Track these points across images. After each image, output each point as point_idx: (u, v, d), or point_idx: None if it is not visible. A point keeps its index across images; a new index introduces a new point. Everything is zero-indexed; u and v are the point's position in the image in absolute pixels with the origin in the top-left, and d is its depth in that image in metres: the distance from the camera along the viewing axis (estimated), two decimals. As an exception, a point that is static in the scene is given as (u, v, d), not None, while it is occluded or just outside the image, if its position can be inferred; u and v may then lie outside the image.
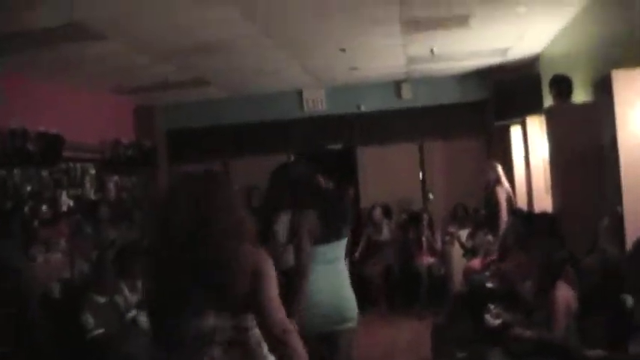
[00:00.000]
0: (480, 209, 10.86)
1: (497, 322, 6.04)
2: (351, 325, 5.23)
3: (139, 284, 7.75)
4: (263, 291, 3.17)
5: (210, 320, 3.11)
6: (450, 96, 12.87)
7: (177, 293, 3.12)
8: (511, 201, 9.53)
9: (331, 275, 5.18)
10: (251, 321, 3.23)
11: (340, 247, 5.35)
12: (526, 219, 7.93)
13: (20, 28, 7.39)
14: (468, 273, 9.21)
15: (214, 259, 3.11)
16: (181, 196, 3.23)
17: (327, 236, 5.13)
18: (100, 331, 6.90)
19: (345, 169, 12.91)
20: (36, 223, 9.55)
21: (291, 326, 3.24)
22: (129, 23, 7.69)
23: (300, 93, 13.47)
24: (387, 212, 12.36)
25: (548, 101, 9.15)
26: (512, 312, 6.17)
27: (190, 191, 3.24)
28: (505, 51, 10.75)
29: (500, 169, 9.71)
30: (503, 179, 9.62)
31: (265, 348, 3.27)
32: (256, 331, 3.25)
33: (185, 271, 3.11)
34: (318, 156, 12.64)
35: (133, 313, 7.34)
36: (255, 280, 3.16)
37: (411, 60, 11.14)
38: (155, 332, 3.27)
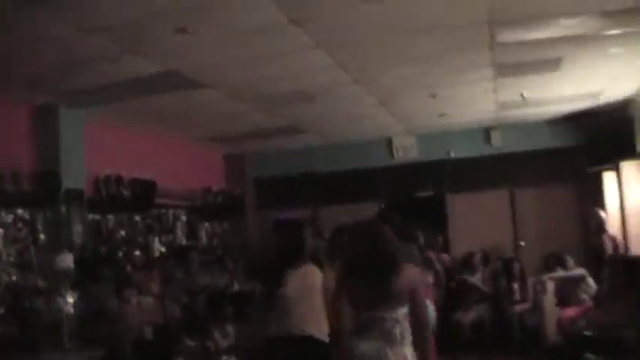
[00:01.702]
0: (565, 257, 10.65)
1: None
2: None
3: (230, 329, 7.77)
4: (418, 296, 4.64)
5: (386, 313, 4.55)
6: (541, 142, 12.65)
7: (371, 299, 4.59)
8: (617, 248, 9.26)
9: None
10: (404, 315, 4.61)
11: None
12: (622, 265, 7.71)
13: (117, 78, 7.61)
14: (562, 322, 8.97)
15: (392, 275, 4.58)
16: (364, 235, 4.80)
17: None
18: (192, 374, 6.92)
19: (436, 216, 12.80)
20: (129, 267, 9.72)
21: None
22: (225, 72, 7.85)
23: (389, 140, 13.45)
24: (485, 259, 12.17)
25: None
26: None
27: (369, 232, 4.82)
28: (597, 94, 10.54)
29: (603, 215, 9.49)
30: (608, 226, 9.40)
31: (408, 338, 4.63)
32: (406, 324, 4.61)
33: (375, 285, 4.58)
34: (408, 203, 12.58)
35: (223, 358, 7.36)
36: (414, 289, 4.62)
37: (502, 106, 11.03)
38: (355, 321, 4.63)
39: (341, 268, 4.84)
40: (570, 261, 10.32)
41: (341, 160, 13.60)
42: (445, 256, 12.12)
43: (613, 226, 9.60)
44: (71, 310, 7.58)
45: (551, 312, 9.95)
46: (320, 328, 5.65)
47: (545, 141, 12.62)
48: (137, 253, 10.31)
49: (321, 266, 6.21)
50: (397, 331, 4.54)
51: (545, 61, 8.40)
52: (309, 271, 6.14)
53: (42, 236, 8.26)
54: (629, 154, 9.01)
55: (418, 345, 4.57)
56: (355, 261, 4.69)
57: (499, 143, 12.94)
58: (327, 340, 5.27)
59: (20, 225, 8.03)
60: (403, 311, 4.56)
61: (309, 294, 5.88)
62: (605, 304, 7.48)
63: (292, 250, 6.23)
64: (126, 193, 9.98)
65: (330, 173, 13.66)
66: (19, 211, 8.02)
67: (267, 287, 6.19)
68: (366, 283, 4.57)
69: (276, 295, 5.91)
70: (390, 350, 4.50)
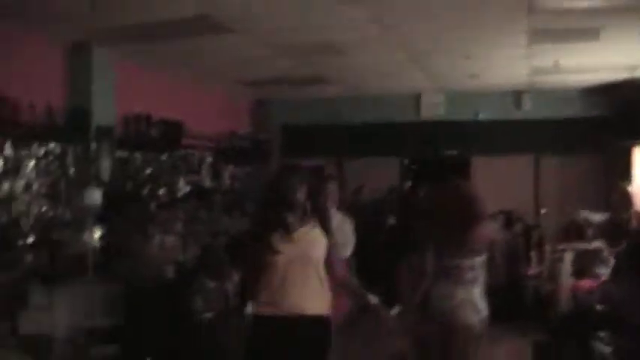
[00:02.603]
0: (587, 228, 10.64)
1: (607, 350, 5.92)
2: None
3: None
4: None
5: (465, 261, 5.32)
6: (571, 110, 12.62)
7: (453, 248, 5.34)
8: None
9: None
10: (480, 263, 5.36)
11: None
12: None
13: (147, 19, 7.64)
14: (576, 292, 9.02)
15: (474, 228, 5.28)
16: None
17: None
18: (208, 314, 7.05)
19: (459, 177, 12.80)
20: (153, 205, 9.85)
21: None
22: (256, 18, 7.83)
23: (418, 97, 13.43)
24: (508, 221, 12.14)
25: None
26: (622, 338, 6.03)
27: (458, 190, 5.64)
28: (634, 67, 10.48)
29: (630, 190, 9.47)
30: (635, 201, 9.38)
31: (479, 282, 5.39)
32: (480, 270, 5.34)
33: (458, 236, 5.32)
34: (432, 162, 12.62)
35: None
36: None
37: (535, 71, 10.99)
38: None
39: (428, 221, 5.56)
40: (589, 233, 10.33)
41: (368, 112, 13.61)
42: None
43: (638, 202, 9.59)
44: (96, 243, 7.76)
45: (566, 282, 10.00)
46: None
47: (576, 110, 12.59)
48: (162, 191, 10.46)
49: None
50: (469, 275, 5.27)
51: (583, 30, 8.36)
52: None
53: (72, 171, 8.39)
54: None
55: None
56: (444, 215, 5.34)
57: (529, 108, 12.91)
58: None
59: (51, 158, 8.16)
60: (480, 260, 5.31)
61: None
62: (619, 280, 7.50)
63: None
64: (154, 132, 10.07)
65: (356, 125, 13.68)
66: (51, 145, 8.15)
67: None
68: (451, 235, 5.27)
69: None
70: (461, 289, 5.23)
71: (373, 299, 4.69)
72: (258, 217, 4.85)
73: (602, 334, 6.17)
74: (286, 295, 4.47)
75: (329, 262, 4.61)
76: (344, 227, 6.42)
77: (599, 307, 7.50)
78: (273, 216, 4.50)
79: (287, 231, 4.47)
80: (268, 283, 4.49)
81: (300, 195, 4.48)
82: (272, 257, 4.42)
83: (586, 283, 9.01)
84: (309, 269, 4.51)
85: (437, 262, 5.28)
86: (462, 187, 5.74)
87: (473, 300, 5.28)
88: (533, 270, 11.06)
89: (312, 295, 4.52)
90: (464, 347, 5.24)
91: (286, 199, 4.48)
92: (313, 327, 4.54)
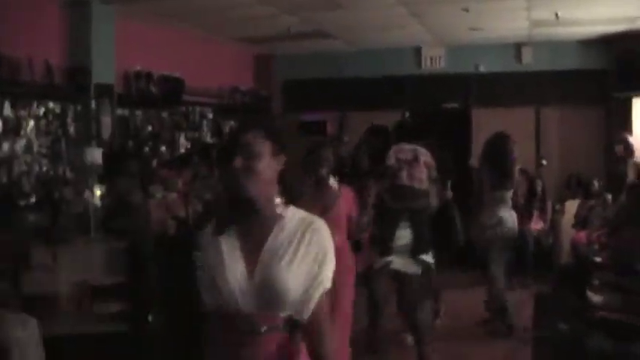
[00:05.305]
0: (593, 180, 10.65)
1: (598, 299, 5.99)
2: None
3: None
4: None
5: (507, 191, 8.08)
6: (571, 62, 12.56)
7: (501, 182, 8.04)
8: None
9: None
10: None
11: None
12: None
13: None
14: (575, 245, 9.08)
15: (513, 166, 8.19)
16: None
17: None
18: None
19: (460, 129, 12.84)
20: (154, 163, 9.89)
21: None
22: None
23: (418, 50, 13.40)
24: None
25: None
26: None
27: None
28: (634, 19, 10.41)
29: (631, 141, 9.45)
30: (635, 153, 9.38)
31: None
32: None
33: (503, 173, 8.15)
34: (434, 114, 12.63)
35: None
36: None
37: (534, 23, 10.94)
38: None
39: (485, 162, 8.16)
40: (596, 185, 10.33)
41: (369, 66, 13.54)
42: None
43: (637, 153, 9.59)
44: (98, 202, 7.79)
45: (567, 234, 10.06)
46: None
47: (576, 62, 12.53)
48: (163, 148, 10.49)
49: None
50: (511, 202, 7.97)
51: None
52: None
53: (72, 129, 8.42)
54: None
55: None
56: (495, 158, 7.91)
57: (529, 60, 12.86)
58: None
59: (51, 118, 8.19)
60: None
61: None
62: (619, 231, 7.53)
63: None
64: (154, 89, 10.07)
65: (357, 79, 13.63)
66: (51, 104, 8.17)
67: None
68: (499, 173, 7.77)
69: None
70: (510, 210, 7.96)
71: None
72: None
73: (595, 281, 6.22)
74: None
75: None
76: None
77: (597, 259, 7.57)
78: None
79: None
80: None
81: None
82: None
83: (583, 236, 9.07)
84: None
85: (492, 193, 7.85)
86: (505, 136, 8.04)
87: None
88: (535, 223, 11.10)
89: None
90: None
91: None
92: None
